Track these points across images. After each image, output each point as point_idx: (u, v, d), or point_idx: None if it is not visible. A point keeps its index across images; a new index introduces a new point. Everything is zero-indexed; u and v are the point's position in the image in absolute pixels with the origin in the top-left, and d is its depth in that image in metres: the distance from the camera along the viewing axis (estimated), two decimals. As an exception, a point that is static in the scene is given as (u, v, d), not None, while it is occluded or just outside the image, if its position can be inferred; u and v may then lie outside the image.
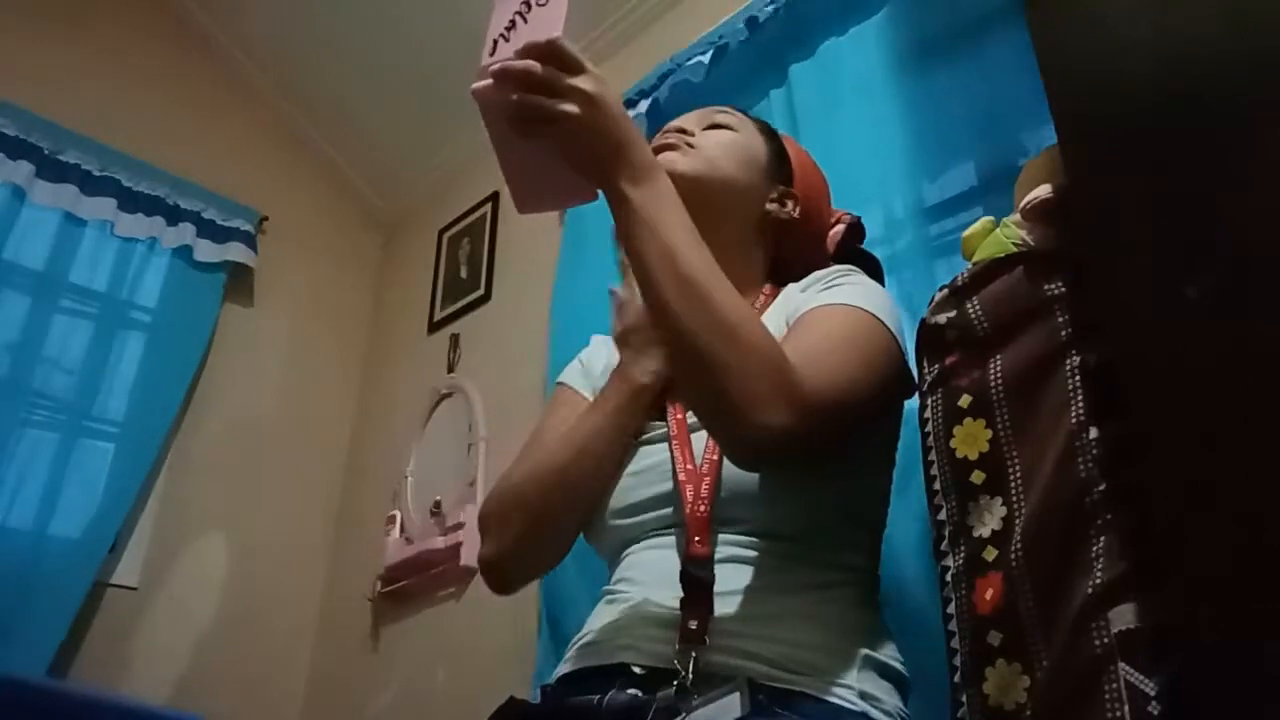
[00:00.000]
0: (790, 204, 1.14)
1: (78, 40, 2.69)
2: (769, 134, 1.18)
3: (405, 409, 2.70)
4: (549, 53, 0.79)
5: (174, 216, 2.69)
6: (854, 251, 1.24)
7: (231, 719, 2.33)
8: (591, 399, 1.11)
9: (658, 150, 1.04)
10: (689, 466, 0.96)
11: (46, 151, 2.51)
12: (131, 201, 2.63)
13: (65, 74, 2.63)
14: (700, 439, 0.97)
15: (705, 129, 1.12)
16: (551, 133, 0.81)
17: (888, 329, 0.94)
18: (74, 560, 2.27)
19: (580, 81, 0.79)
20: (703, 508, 0.93)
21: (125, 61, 2.78)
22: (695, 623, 0.87)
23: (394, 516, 2.46)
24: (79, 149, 2.57)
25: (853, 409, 0.87)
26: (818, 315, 0.95)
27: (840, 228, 1.24)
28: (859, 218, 1.29)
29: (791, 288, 1.07)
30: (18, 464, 2.28)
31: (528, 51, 0.78)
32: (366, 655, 2.47)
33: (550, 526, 1.02)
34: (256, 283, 2.86)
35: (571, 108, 0.79)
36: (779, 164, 1.16)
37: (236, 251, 2.77)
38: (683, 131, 1.10)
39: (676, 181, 0.88)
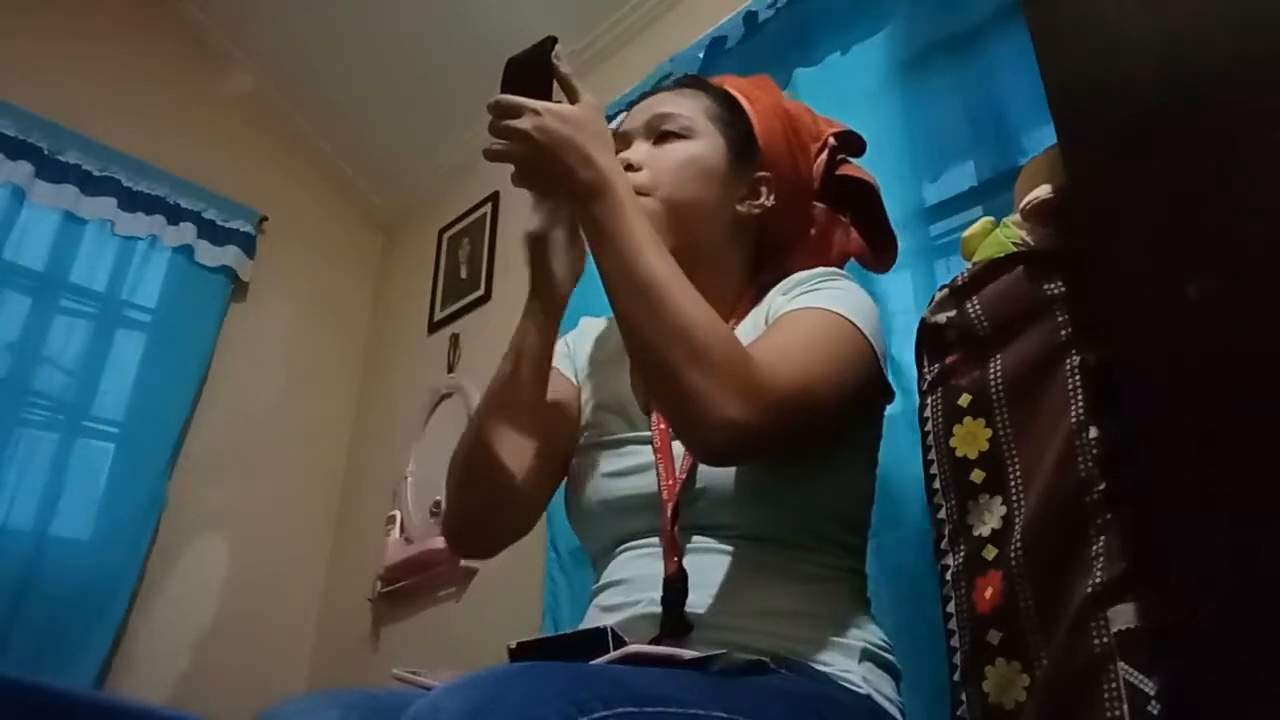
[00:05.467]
0: (764, 191, 1.09)
1: (78, 40, 2.69)
2: (726, 117, 1.08)
3: (405, 409, 2.69)
4: (491, 106, 0.88)
5: (174, 216, 2.69)
6: (846, 184, 1.14)
7: (231, 719, 2.32)
8: (573, 378, 1.11)
9: None
10: (669, 482, 0.95)
11: (46, 151, 2.50)
12: (131, 201, 2.63)
13: (65, 74, 2.63)
14: (681, 447, 0.96)
15: (656, 141, 1.05)
16: (515, 170, 0.90)
17: (861, 333, 0.93)
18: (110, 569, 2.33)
19: (519, 122, 0.86)
20: (678, 523, 0.93)
21: (125, 61, 2.78)
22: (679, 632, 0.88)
23: (394, 516, 2.46)
24: (79, 149, 2.57)
25: (816, 404, 0.87)
26: (789, 317, 0.94)
27: (822, 158, 1.12)
28: (844, 131, 1.15)
29: (773, 292, 1.04)
30: (17, 464, 2.28)
31: (487, 108, 0.88)
32: (366, 655, 2.47)
33: (486, 484, 0.99)
34: (256, 283, 2.86)
35: (510, 146, 0.87)
36: (744, 152, 1.08)
37: (236, 252, 2.77)
38: (630, 168, 1.00)
39: None
